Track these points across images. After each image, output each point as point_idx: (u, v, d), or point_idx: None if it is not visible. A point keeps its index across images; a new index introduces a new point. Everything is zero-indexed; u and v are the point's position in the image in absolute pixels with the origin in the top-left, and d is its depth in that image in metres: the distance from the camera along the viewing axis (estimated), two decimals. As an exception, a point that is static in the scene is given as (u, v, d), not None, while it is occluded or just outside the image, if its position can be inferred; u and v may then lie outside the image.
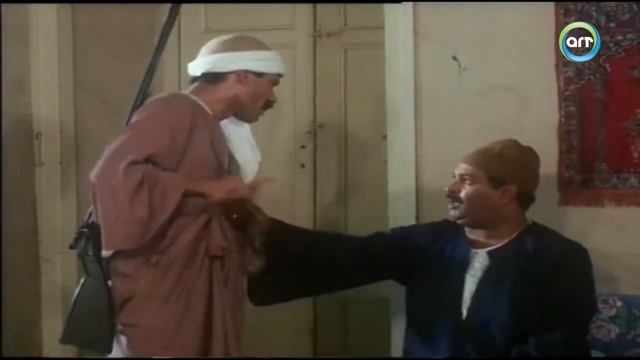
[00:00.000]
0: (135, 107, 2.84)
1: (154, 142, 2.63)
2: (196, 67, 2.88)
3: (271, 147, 4.44)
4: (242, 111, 2.90)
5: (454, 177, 3.07)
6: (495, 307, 2.91)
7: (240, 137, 2.94)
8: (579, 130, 3.47)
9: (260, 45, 2.90)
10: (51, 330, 4.06)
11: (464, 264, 3.02)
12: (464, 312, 2.96)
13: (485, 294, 2.95)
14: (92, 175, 2.62)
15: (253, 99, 2.88)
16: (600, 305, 3.29)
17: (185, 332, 2.65)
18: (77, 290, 2.77)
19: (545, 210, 3.45)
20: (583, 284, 2.97)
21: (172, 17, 2.97)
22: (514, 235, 3.03)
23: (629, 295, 3.33)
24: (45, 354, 4.06)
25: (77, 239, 2.76)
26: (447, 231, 3.15)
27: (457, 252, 3.07)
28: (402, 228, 3.32)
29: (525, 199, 3.05)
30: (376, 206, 3.98)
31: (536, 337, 2.84)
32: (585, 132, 3.46)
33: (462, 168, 3.05)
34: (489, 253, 3.01)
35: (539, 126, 3.50)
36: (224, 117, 2.88)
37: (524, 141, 3.34)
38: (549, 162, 3.47)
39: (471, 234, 3.08)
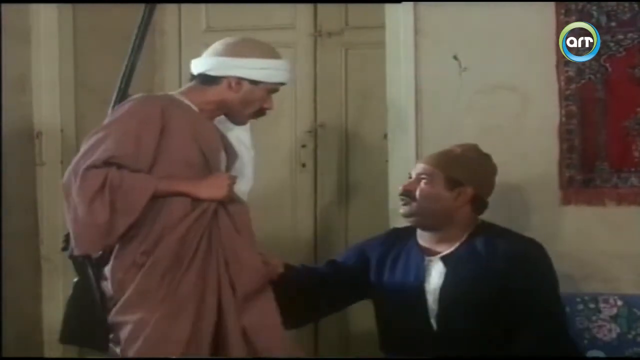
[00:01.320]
0: (114, 109, 2.81)
1: (117, 145, 2.60)
2: (196, 66, 2.85)
3: (272, 147, 4.44)
4: (230, 115, 2.86)
5: (410, 177, 3.07)
6: (462, 312, 2.90)
7: (235, 138, 2.92)
8: (579, 130, 3.47)
9: (265, 53, 2.82)
10: (52, 330, 4.06)
11: (420, 275, 3.00)
12: (434, 323, 2.96)
13: (448, 301, 2.94)
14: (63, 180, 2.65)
15: (244, 105, 2.82)
16: (601, 305, 3.30)
17: (176, 333, 2.64)
18: (71, 291, 2.78)
19: (546, 209, 3.46)
20: (540, 277, 2.93)
21: (148, 16, 2.90)
22: (465, 237, 3.01)
23: (629, 295, 3.32)
24: (46, 354, 4.06)
25: (66, 241, 2.77)
26: (397, 240, 3.15)
27: (412, 262, 3.05)
28: (353, 247, 3.29)
29: (479, 203, 3.04)
30: (377, 206, 3.98)
31: (514, 343, 2.83)
32: (586, 132, 3.46)
33: (420, 168, 3.05)
34: (443, 259, 3.00)
35: (540, 125, 3.50)
36: (213, 116, 2.85)
37: (525, 140, 3.35)
38: (549, 162, 3.48)
39: (422, 240, 3.07)
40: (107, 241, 2.61)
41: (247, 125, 2.97)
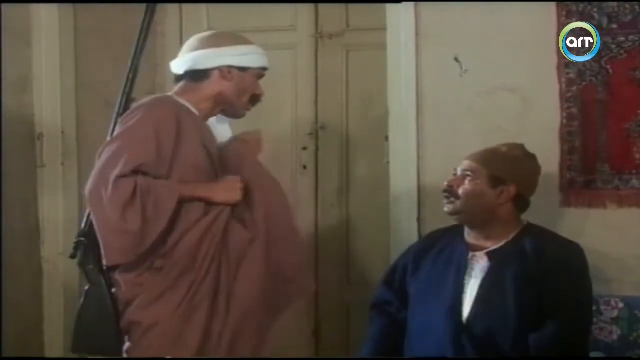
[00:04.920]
0: (119, 113, 2.81)
1: (141, 153, 2.62)
2: (179, 66, 2.86)
3: (273, 149, 4.44)
4: (230, 108, 2.88)
5: (455, 173, 3.09)
6: (499, 308, 2.91)
7: (218, 135, 2.92)
8: (580, 132, 3.47)
9: (241, 40, 2.89)
10: (53, 331, 4.07)
11: (461, 268, 3.02)
12: (466, 315, 2.96)
13: (488, 295, 2.95)
14: (86, 190, 2.63)
15: (239, 94, 2.86)
16: (602, 307, 3.30)
17: (188, 335, 2.65)
18: (81, 299, 2.77)
19: (547, 211, 3.45)
20: (580, 282, 2.97)
21: (149, 18, 2.92)
22: (512, 235, 3.04)
23: (630, 297, 3.32)
24: (46, 355, 4.06)
25: (76, 248, 2.77)
26: (445, 235, 3.18)
27: (455, 256, 3.07)
28: (402, 255, 3.29)
29: (522, 202, 3.07)
30: (378, 207, 3.98)
31: (534, 335, 2.86)
32: (587, 134, 3.46)
33: (465, 164, 3.08)
34: (488, 254, 3.02)
35: (540, 127, 3.50)
36: (210, 115, 2.86)
37: (526, 142, 3.34)
38: (550, 164, 3.47)
39: (469, 237, 3.09)
40: (139, 250, 2.61)
41: (228, 124, 2.97)
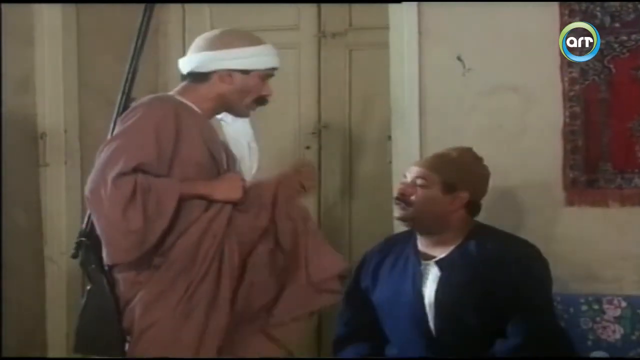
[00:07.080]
0: (119, 113, 2.79)
1: (141, 151, 2.60)
2: (184, 66, 2.85)
3: (275, 148, 4.44)
4: (231, 108, 2.85)
5: (405, 177, 3.07)
6: (456, 316, 2.91)
7: (236, 132, 2.91)
8: (583, 131, 3.47)
9: (248, 41, 2.82)
10: (56, 331, 4.07)
11: (417, 280, 3.00)
12: (432, 328, 2.95)
13: (443, 305, 2.93)
14: (86, 189, 2.62)
15: (241, 96, 2.81)
16: (605, 306, 3.29)
17: (186, 335, 2.64)
18: (83, 299, 2.76)
19: (550, 210, 3.46)
20: (529, 279, 2.93)
21: (147, 17, 2.88)
22: (460, 240, 3.01)
23: (633, 296, 3.32)
24: (49, 354, 4.06)
25: (77, 248, 2.76)
26: (395, 246, 3.16)
27: (409, 267, 3.05)
28: (358, 266, 3.25)
29: (474, 207, 3.05)
30: (380, 207, 3.97)
31: (499, 344, 2.86)
32: (589, 133, 3.46)
33: (415, 171, 3.05)
34: (437, 263, 3.00)
35: (543, 126, 3.50)
36: (213, 114, 2.84)
37: (529, 141, 3.36)
38: (553, 163, 3.48)
39: (420, 244, 3.07)
40: (142, 249, 2.58)
41: (247, 120, 2.95)
